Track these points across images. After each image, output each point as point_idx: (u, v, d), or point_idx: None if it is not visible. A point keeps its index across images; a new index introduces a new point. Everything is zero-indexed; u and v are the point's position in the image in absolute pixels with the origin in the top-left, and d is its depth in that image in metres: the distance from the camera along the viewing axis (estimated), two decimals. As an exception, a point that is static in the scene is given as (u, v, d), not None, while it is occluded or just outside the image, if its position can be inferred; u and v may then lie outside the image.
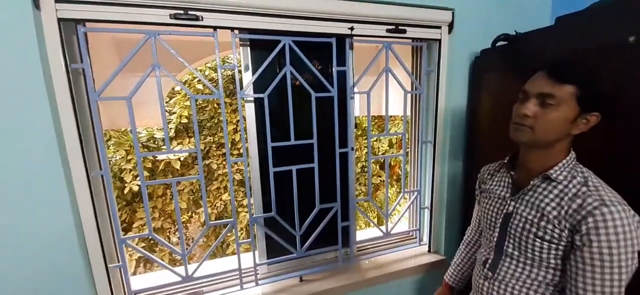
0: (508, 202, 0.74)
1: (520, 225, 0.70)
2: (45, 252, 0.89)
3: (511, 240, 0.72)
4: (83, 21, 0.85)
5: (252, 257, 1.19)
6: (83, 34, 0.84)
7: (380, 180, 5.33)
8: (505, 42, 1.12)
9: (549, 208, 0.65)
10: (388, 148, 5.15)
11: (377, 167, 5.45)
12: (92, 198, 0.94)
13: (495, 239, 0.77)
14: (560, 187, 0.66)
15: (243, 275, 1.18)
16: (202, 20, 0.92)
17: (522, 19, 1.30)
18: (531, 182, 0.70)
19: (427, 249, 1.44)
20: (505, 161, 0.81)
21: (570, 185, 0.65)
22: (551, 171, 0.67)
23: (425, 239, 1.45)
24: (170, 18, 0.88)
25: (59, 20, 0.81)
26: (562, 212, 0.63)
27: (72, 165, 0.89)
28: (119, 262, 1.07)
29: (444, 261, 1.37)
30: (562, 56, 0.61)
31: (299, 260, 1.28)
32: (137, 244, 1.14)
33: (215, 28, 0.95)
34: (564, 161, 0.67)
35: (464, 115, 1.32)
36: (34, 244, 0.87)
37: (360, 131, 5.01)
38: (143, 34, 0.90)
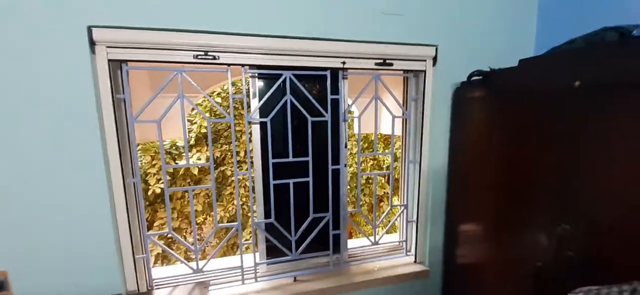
0: None
1: None
2: (85, 243, 1.11)
3: None
4: (126, 61, 1.09)
5: (253, 257, 1.37)
6: (126, 71, 1.08)
7: (384, 192, 5.44)
8: (480, 77, 1.27)
9: None
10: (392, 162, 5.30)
11: (383, 179, 5.58)
12: (126, 200, 1.17)
13: None
14: None
15: (245, 272, 1.36)
16: (219, 59, 1.13)
17: (505, 53, 1.39)
18: None
19: (413, 259, 1.57)
20: None
21: None
22: None
23: (412, 250, 1.58)
24: (193, 58, 1.11)
25: (109, 61, 1.05)
26: None
27: (113, 173, 1.12)
28: (143, 254, 1.28)
29: (427, 272, 1.50)
30: None
31: (294, 262, 1.44)
32: (157, 241, 1.36)
33: (229, 65, 1.17)
34: None
35: (447, 139, 1.46)
36: (77, 235, 1.09)
37: (366, 144, 5.18)
38: (172, 69, 1.13)
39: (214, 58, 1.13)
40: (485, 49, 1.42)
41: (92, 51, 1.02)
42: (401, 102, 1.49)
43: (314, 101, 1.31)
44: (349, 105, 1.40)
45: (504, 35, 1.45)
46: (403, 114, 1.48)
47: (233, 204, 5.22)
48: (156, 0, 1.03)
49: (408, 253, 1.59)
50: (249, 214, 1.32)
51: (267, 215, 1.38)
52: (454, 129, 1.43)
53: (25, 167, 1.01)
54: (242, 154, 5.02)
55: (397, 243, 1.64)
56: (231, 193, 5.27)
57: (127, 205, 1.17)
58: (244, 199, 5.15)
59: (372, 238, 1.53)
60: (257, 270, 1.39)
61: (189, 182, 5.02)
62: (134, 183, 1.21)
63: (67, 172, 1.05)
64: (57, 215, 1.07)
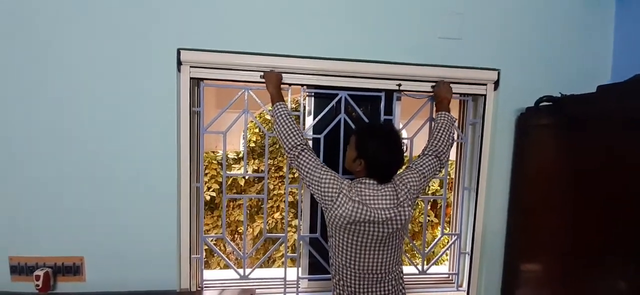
0: None
1: None
2: (152, 240, 1.23)
3: None
4: (204, 79, 1.24)
5: (296, 272, 1.39)
6: (203, 88, 1.23)
7: (429, 220, 5.13)
8: (549, 103, 1.17)
9: None
10: (438, 188, 5.01)
11: (429, 206, 5.28)
12: (190, 202, 1.29)
13: None
14: None
15: (287, 285, 1.38)
16: (282, 79, 1.23)
17: (575, 79, 1.28)
18: None
19: (465, 294, 1.44)
20: None
21: None
22: None
23: (464, 285, 1.45)
24: (260, 78, 1.22)
25: (190, 78, 1.20)
26: None
27: (182, 177, 1.25)
28: (198, 254, 1.38)
29: (481, 311, 1.36)
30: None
31: (337, 281, 1.43)
32: (211, 244, 1.46)
33: (290, 84, 1.26)
34: None
35: (509, 167, 1.35)
36: (146, 232, 1.22)
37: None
38: (240, 87, 1.26)
39: (279, 78, 1.23)
40: (552, 74, 1.32)
41: (178, 70, 1.18)
42: (457, 125, 1.43)
43: (366, 121, 1.33)
44: (401, 127, 1.39)
45: (575, 60, 1.34)
46: (458, 137, 1.42)
47: (272, 217, 5.36)
48: (233, 27, 1.17)
49: (459, 288, 1.46)
50: (289, 228, 1.35)
51: (312, 229, 1.41)
52: (517, 157, 1.33)
53: (111, 164, 1.18)
54: (284, 169, 5.21)
55: (447, 275, 1.53)
56: (271, 206, 5.43)
57: (190, 207, 1.29)
58: (283, 214, 5.27)
59: (419, 266, 1.45)
60: (299, 286, 1.40)
61: (235, 192, 5.30)
62: (197, 187, 1.33)
63: (145, 173, 1.20)
64: (132, 212, 1.21)
